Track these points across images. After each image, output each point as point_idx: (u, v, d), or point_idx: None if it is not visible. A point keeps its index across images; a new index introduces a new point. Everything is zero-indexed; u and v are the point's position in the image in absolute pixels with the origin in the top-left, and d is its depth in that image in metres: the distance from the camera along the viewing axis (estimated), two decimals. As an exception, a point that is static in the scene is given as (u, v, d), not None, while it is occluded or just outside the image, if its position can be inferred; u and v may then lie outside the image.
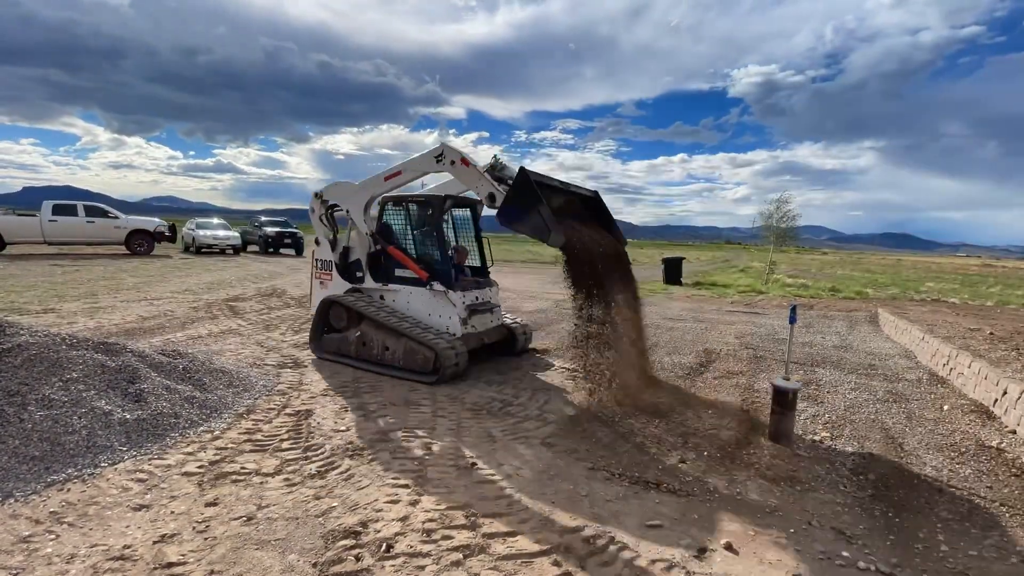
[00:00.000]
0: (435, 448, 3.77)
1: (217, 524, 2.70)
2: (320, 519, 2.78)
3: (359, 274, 6.33)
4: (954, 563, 2.69)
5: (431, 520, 2.80)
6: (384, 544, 2.57)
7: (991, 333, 7.28)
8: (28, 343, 3.84)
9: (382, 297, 6.16)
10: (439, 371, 5.27)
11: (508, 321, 6.71)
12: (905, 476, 3.63)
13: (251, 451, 3.58)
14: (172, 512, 2.79)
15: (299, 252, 23.72)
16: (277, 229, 24.22)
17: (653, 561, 2.56)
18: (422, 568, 2.42)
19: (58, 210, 17.15)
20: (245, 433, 3.87)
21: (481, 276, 6.75)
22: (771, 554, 2.69)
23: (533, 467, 3.56)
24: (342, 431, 4.00)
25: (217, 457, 3.45)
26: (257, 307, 9.38)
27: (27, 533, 2.53)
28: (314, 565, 2.40)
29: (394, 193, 6.15)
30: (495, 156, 5.38)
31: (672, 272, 17.98)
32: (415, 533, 2.68)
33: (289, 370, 5.58)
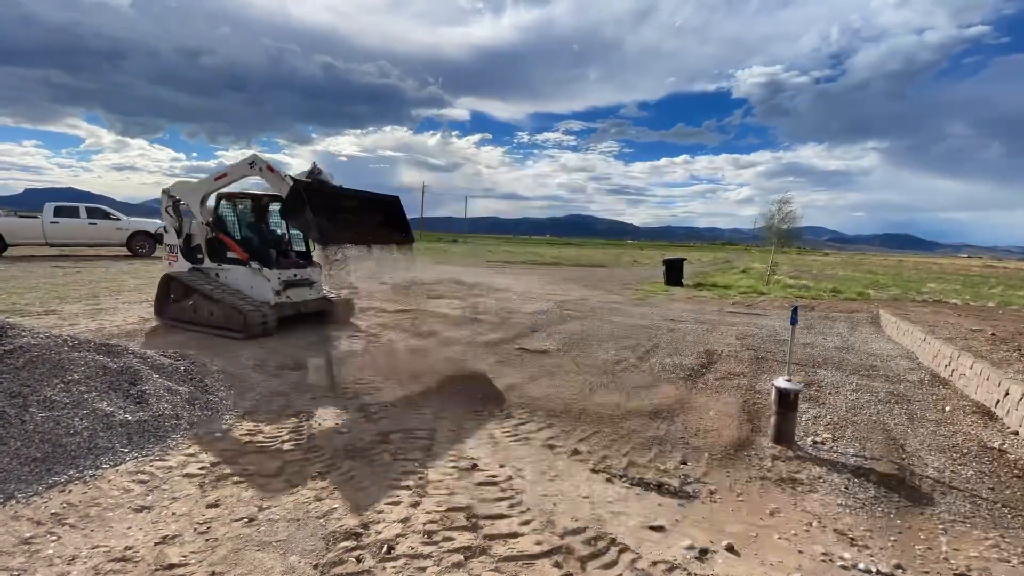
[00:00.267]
0: (436, 449, 3.77)
1: (218, 525, 2.70)
2: (321, 520, 2.78)
3: (199, 256, 7.71)
4: (956, 564, 2.69)
5: (432, 522, 2.80)
6: (385, 545, 2.57)
7: (993, 334, 7.27)
8: (30, 345, 3.85)
9: (217, 275, 7.61)
10: (247, 328, 6.73)
11: (330, 295, 8.31)
12: (907, 477, 3.63)
13: (252, 452, 3.59)
14: (173, 513, 2.80)
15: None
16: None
17: (654, 563, 2.56)
18: (423, 570, 2.41)
19: (60, 212, 17.19)
20: (246, 434, 3.87)
21: (304, 259, 8.32)
22: (773, 555, 2.69)
23: (534, 468, 3.55)
24: (343, 432, 4.00)
25: (218, 459, 3.45)
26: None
27: (29, 534, 2.54)
28: (315, 566, 2.40)
29: (227, 190, 7.71)
30: (313, 163, 6.77)
31: (673, 273, 17.94)
32: (416, 535, 2.68)
33: (290, 371, 5.58)
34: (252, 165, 6.82)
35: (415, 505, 2.97)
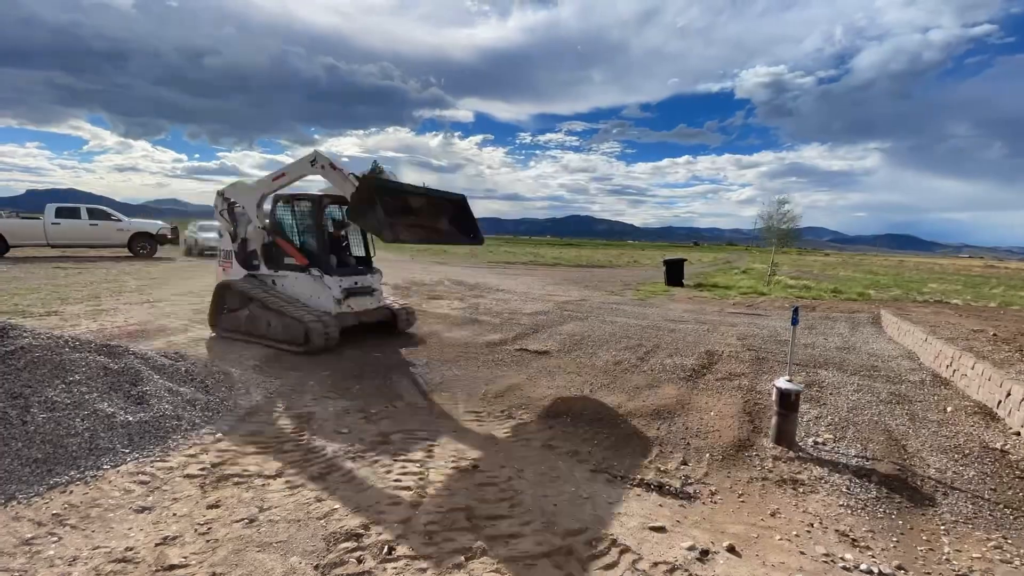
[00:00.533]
0: (436, 450, 3.77)
1: (219, 526, 2.70)
2: (322, 521, 2.78)
3: (255, 262, 7.26)
4: (958, 566, 2.68)
5: (433, 522, 2.80)
6: (386, 546, 2.56)
7: (994, 334, 7.25)
8: (31, 346, 3.86)
9: (274, 282, 7.16)
10: (309, 342, 6.20)
11: (392, 304, 7.76)
12: (908, 478, 3.62)
13: (253, 453, 3.59)
14: (174, 514, 2.79)
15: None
16: None
17: (656, 564, 2.55)
18: (424, 571, 2.41)
19: (61, 213, 17.22)
20: (247, 435, 3.87)
21: (364, 265, 7.73)
22: (774, 556, 2.69)
23: (535, 469, 3.55)
24: (344, 433, 4.00)
25: (219, 459, 3.45)
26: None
27: (30, 535, 2.54)
28: (316, 567, 2.39)
29: (284, 192, 7.16)
30: (374, 162, 6.57)
31: (673, 274, 17.93)
32: (417, 535, 2.67)
33: (291, 372, 5.58)
34: (313, 163, 6.27)
35: (416, 506, 2.96)
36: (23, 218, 17.66)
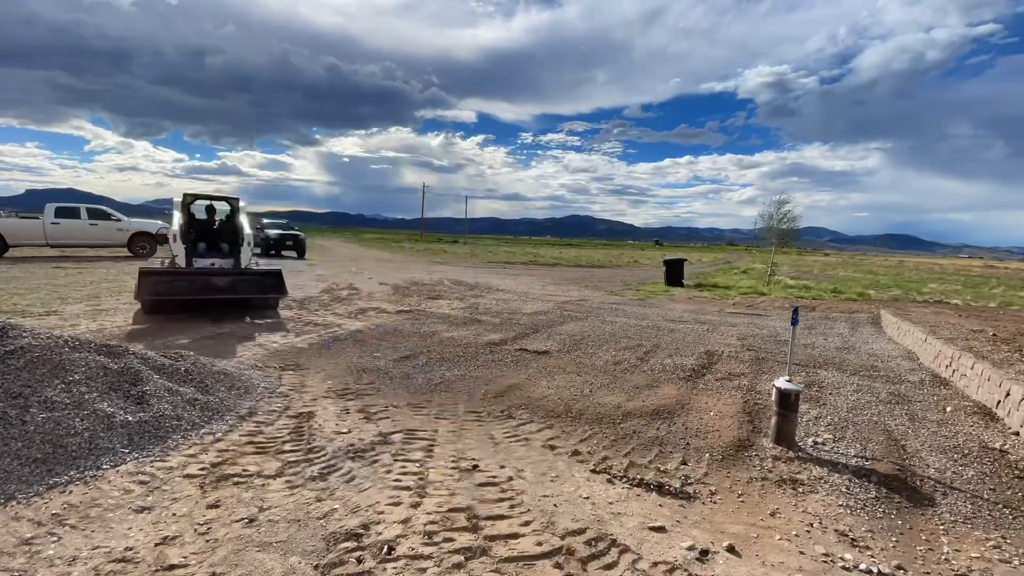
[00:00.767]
0: (436, 450, 3.77)
1: (219, 526, 2.70)
2: (322, 521, 2.78)
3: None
4: (957, 565, 2.68)
5: (433, 522, 2.80)
6: (386, 546, 2.56)
7: (994, 334, 7.26)
8: (31, 345, 3.86)
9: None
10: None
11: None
12: (908, 478, 3.62)
13: (253, 453, 3.58)
14: (174, 514, 2.79)
15: (301, 255, 23.73)
16: (279, 232, 24.19)
17: (655, 564, 2.55)
18: (424, 571, 2.41)
19: (61, 213, 17.20)
20: (247, 435, 3.87)
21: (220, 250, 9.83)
22: (774, 556, 2.69)
23: (535, 469, 3.55)
24: (344, 433, 4.00)
25: (219, 459, 3.45)
26: (258, 309, 9.38)
27: (29, 535, 2.54)
28: (316, 567, 2.39)
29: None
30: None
31: (673, 273, 17.94)
32: (417, 535, 2.67)
33: (291, 372, 5.58)
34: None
35: (416, 506, 2.96)
36: (22, 218, 17.65)
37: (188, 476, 3.22)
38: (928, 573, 2.62)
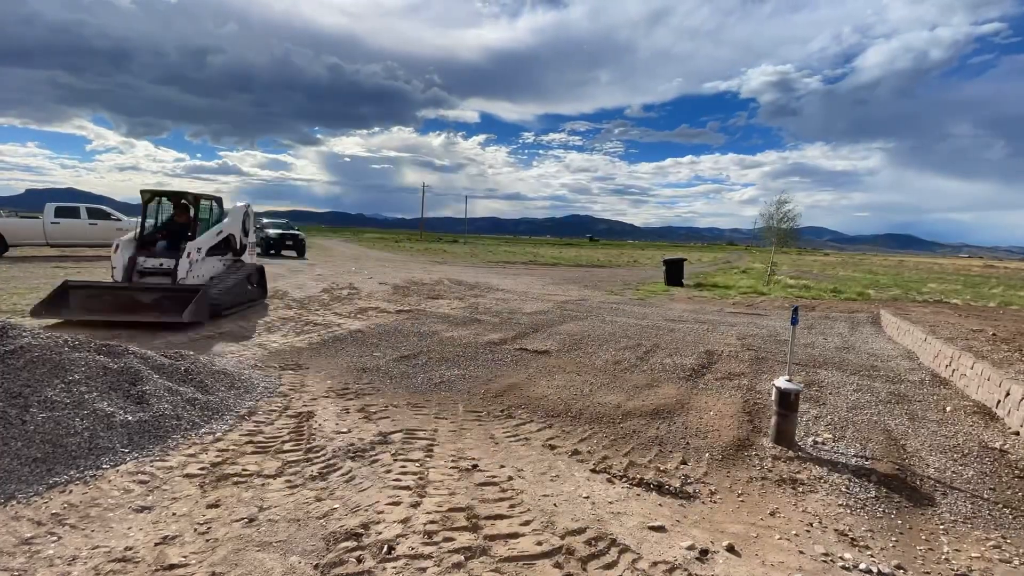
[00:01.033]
0: (436, 450, 3.77)
1: (219, 526, 2.70)
2: (322, 521, 2.78)
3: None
4: (957, 565, 2.68)
5: (433, 522, 2.80)
6: (385, 546, 2.56)
7: (993, 334, 7.26)
8: (31, 345, 3.85)
9: None
10: None
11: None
12: (908, 478, 3.62)
13: (253, 453, 3.58)
14: (174, 514, 2.79)
15: (301, 254, 23.72)
16: (279, 231, 24.18)
17: (655, 563, 2.55)
18: (423, 570, 2.41)
19: (60, 212, 17.19)
20: (247, 435, 3.87)
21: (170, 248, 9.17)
22: (773, 556, 2.69)
23: (534, 469, 3.55)
24: (343, 433, 4.00)
25: (219, 459, 3.45)
26: (258, 309, 9.39)
27: (29, 535, 2.54)
28: (315, 567, 2.39)
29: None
30: None
31: (673, 273, 17.94)
32: (416, 535, 2.67)
33: (290, 372, 5.58)
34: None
35: (415, 505, 2.96)
36: (22, 217, 17.65)
37: (188, 476, 3.22)
38: (928, 573, 2.62)
